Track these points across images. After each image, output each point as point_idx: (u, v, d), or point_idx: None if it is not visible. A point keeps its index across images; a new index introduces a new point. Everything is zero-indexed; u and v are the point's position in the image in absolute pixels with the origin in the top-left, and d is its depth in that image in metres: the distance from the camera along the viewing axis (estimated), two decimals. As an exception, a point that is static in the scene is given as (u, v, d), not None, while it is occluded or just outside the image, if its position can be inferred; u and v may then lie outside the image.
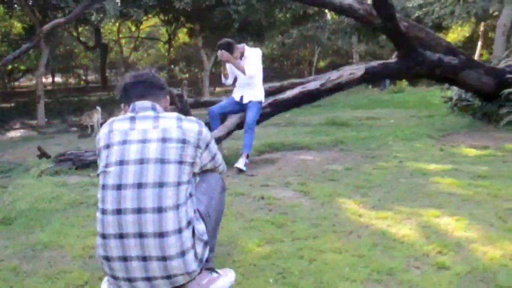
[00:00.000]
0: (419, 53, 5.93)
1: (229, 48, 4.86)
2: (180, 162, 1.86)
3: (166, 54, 21.65)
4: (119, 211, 1.78)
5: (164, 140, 1.86)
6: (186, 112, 4.44)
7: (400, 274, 2.27)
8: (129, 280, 1.83)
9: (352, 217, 3.10)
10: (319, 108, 11.06)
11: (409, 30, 6.21)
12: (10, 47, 14.78)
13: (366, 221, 3.02)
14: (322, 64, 26.80)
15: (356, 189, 3.76)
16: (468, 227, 2.87)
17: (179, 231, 1.81)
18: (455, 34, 21.36)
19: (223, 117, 5.10)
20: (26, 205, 3.52)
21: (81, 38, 18.04)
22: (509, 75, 6.54)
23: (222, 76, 5.23)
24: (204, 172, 2.12)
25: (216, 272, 2.11)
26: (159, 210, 1.78)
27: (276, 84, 6.47)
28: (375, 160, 4.85)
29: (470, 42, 20.64)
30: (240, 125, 5.07)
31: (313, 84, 5.55)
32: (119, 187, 1.79)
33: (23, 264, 2.48)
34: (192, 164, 1.92)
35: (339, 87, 5.59)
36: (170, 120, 1.94)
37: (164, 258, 1.79)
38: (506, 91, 6.39)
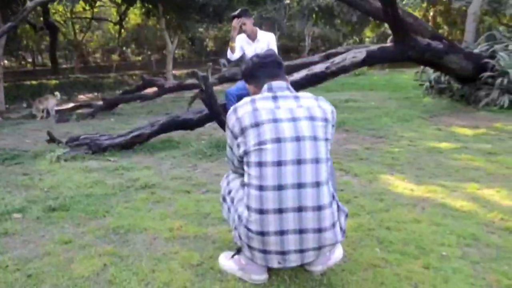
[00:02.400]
0: (411, 38, 6.24)
1: (245, 15, 4.99)
2: (326, 140, 1.95)
3: (117, 35, 20.87)
4: (280, 187, 1.84)
5: (311, 118, 1.93)
6: (210, 95, 4.44)
7: (483, 238, 2.51)
8: (282, 253, 1.90)
9: (406, 192, 3.30)
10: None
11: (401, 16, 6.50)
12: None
13: (420, 194, 3.25)
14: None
15: (389, 167, 3.97)
16: (510, 196, 3.16)
17: (330, 204, 1.91)
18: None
19: (239, 98, 5.13)
20: (71, 191, 3.41)
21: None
22: (486, 60, 7.06)
23: (229, 50, 5.26)
24: None
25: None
26: (317, 184, 1.86)
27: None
28: (386, 140, 5.10)
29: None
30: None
31: (319, 66, 5.71)
32: (279, 163, 1.84)
33: (117, 248, 2.45)
34: (331, 141, 2.01)
35: (343, 70, 5.78)
36: (310, 100, 2.01)
37: (319, 230, 1.88)
38: (486, 74, 6.90)
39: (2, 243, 2.58)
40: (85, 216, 2.94)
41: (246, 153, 1.92)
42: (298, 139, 1.87)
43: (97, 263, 2.27)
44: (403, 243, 2.45)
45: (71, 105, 10.98)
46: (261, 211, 1.86)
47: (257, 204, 1.87)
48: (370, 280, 2.08)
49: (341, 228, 1.98)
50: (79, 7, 16.66)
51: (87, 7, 17.62)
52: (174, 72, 15.51)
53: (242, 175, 2.15)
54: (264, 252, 1.92)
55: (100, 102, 9.09)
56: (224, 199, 2.22)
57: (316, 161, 1.88)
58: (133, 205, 3.13)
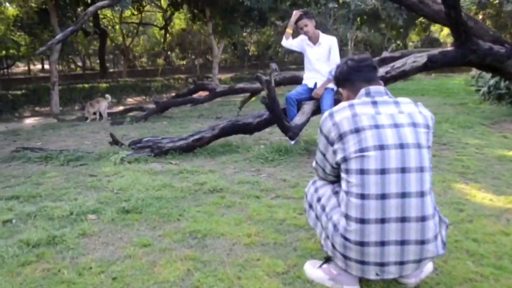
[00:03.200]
0: (473, 42, 6.00)
1: (307, 16, 5.07)
2: (428, 147, 1.87)
3: (162, 40, 21.27)
4: (383, 196, 1.76)
5: (414, 125, 1.86)
6: (273, 99, 4.40)
7: None
8: (382, 264, 1.83)
9: (485, 202, 3.15)
10: (338, 96, 11.11)
11: (462, 18, 6.27)
12: (23, 31, 14.33)
13: (501, 205, 3.09)
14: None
15: (462, 176, 3.81)
16: None
17: (433, 215, 1.82)
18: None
19: (299, 103, 5.08)
20: (141, 194, 3.43)
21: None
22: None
23: (284, 37, 5.27)
24: None
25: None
26: (421, 194, 1.78)
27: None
28: (450, 147, 4.92)
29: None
30: (314, 112, 5.08)
31: (379, 71, 5.56)
32: (382, 171, 1.77)
33: (198, 253, 2.42)
34: (431, 149, 1.93)
35: (403, 75, 5.63)
36: (410, 105, 1.94)
37: (422, 242, 1.79)
38: (551, 80, 6.56)
39: (82, 244, 2.61)
40: (159, 219, 2.95)
41: (345, 160, 1.85)
42: (402, 146, 1.80)
43: (180, 267, 2.26)
44: (496, 256, 2.32)
45: (121, 108, 11.26)
46: (362, 221, 1.79)
47: (357, 213, 1.80)
48: (469, 296, 1.97)
49: (442, 241, 1.89)
50: (128, 12, 17.07)
51: (136, 12, 18.02)
52: (219, 76, 15.65)
53: (332, 182, 2.10)
54: (362, 263, 1.85)
55: (152, 106, 9.25)
56: (310, 206, 2.17)
57: (421, 169, 1.80)
58: (205, 209, 3.12)
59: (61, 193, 3.62)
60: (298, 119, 4.73)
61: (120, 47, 20.29)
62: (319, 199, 2.09)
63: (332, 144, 1.92)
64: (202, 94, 9.37)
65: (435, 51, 6.00)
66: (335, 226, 1.90)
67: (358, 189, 1.80)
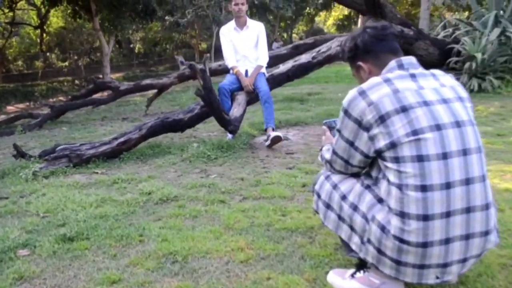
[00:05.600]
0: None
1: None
2: (476, 124, 1.63)
3: (38, 40, 19.18)
4: (448, 185, 1.47)
5: (461, 99, 1.61)
6: (209, 90, 3.96)
7: None
8: (444, 265, 1.54)
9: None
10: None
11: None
12: None
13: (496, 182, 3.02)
14: (204, 45, 26.35)
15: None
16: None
17: (492, 201, 1.59)
18: (337, 12, 22.95)
19: (232, 93, 4.68)
20: (78, 214, 2.76)
21: None
22: (451, 45, 7.17)
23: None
24: None
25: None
26: (483, 178, 1.54)
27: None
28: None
29: (348, 20, 22.48)
30: (249, 101, 4.73)
31: (305, 57, 5.42)
32: (444, 156, 1.48)
33: (189, 282, 1.92)
34: None
35: (329, 59, 5.52)
36: (448, 78, 1.69)
37: (486, 233, 1.56)
38: (453, 59, 6.99)
39: (23, 293, 1.95)
40: (116, 244, 2.36)
41: (393, 146, 1.52)
42: (458, 124, 1.53)
43: (177, 305, 1.76)
44: (510, 235, 2.20)
45: (3, 116, 9.85)
46: (426, 217, 1.48)
47: (419, 209, 1.48)
48: (518, 284, 1.78)
49: (496, 228, 1.66)
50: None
51: (6, 11, 15.94)
52: (109, 76, 14.50)
53: (355, 175, 1.76)
54: (422, 267, 1.54)
55: (44, 111, 8.14)
56: (328, 207, 1.81)
57: (479, 150, 1.55)
58: (168, 223, 2.58)
59: (-34, 225, 2.80)
60: (236, 111, 4.34)
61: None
62: (344, 197, 1.73)
63: (367, 128, 1.58)
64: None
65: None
66: (383, 228, 1.56)
67: (417, 180, 1.48)
